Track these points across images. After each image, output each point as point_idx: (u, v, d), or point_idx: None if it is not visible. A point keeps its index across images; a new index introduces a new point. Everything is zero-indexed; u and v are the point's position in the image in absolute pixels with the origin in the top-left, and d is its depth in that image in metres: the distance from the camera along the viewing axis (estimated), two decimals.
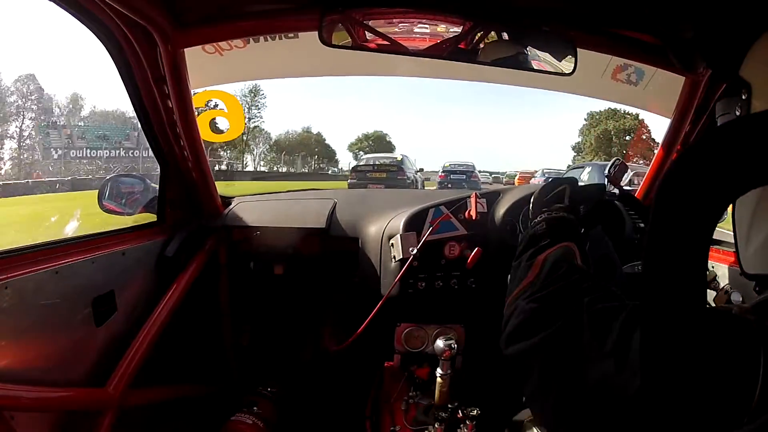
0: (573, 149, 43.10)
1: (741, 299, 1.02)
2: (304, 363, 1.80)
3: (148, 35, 0.97)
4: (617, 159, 1.20)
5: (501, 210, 1.29)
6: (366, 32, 1.04)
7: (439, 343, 1.13)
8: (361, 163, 12.27)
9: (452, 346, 1.12)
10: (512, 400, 1.19)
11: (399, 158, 12.27)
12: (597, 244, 1.06)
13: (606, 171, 1.18)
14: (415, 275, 1.26)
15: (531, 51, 1.10)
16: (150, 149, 1.24)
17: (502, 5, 1.04)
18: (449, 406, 1.18)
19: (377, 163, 11.91)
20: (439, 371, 1.14)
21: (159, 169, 1.28)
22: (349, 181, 11.22)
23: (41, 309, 0.83)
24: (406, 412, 1.25)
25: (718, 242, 1.17)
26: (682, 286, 0.30)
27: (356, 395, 1.58)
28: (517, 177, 25.92)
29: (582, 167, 12.88)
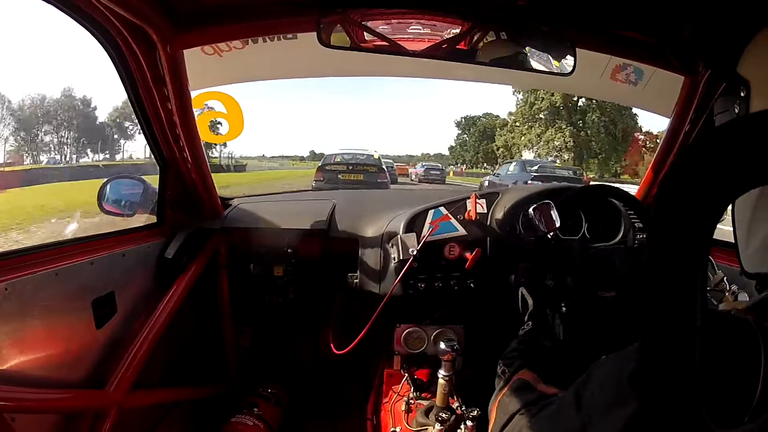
0: (458, 126, 35.69)
1: (748, 299, 1.01)
2: (305, 364, 1.80)
3: (148, 37, 0.97)
4: (532, 209, 1.12)
5: (500, 211, 1.29)
6: (365, 33, 1.04)
7: (442, 344, 1.13)
8: (330, 161, 9.50)
9: (455, 347, 1.12)
10: None
11: (377, 156, 9.84)
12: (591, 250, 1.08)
13: (539, 230, 1.11)
14: (414, 276, 1.26)
15: (530, 51, 1.10)
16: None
17: (500, 6, 1.04)
18: (450, 406, 1.18)
19: (352, 162, 9.33)
20: (441, 372, 1.14)
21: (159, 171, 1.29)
22: (313, 183, 8.73)
23: (41, 311, 0.83)
24: (407, 413, 1.25)
25: (724, 243, 1.17)
26: (683, 287, 0.30)
27: (357, 396, 1.58)
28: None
29: (510, 162, 13.92)
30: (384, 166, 9.36)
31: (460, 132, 36.57)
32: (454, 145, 37.68)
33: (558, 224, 1.07)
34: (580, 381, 0.49)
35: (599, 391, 0.45)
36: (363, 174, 8.76)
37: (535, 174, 10.92)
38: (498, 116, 33.12)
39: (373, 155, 9.85)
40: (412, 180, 20.07)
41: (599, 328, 1.01)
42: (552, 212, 1.08)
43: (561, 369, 0.79)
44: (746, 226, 0.47)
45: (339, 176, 8.67)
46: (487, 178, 14.17)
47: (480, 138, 33.86)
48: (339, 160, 9.55)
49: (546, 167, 12.50)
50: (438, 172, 20.44)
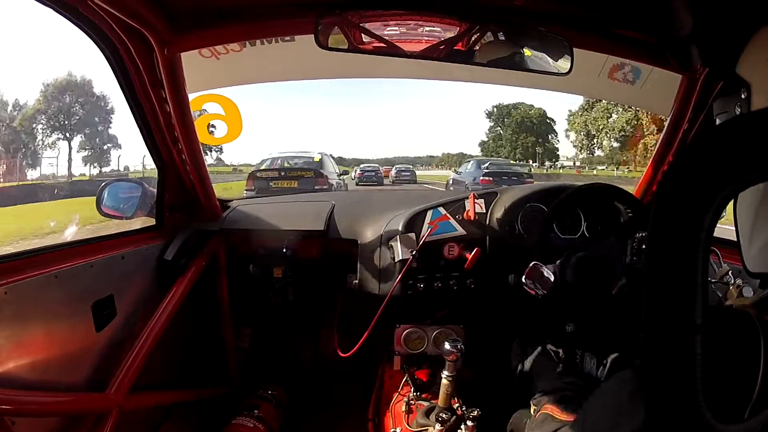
0: (489, 117, 30.10)
1: (753, 293, 1.00)
2: (305, 365, 1.80)
3: (145, 40, 0.97)
4: (523, 277, 1.07)
5: (499, 210, 1.29)
6: (362, 34, 1.04)
7: (447, 345, 1.12)
8: (263, 167, 8.55)
9: (459, 347, 1.12)
10: (512, 400, 1.19)
11: (317, 158, 8.91)
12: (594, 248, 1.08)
13: (537, 293, 1.06)
14: (414, 276, 1.26)
15: (527, 51, 1.10)
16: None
17: (498, 6, 1.04)
18: (451, 407, 1.18)
19: (286, 166, 8.42)
20: (444, 372, 1.14)
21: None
22: (245, 192, 7.58)
23: (41, 313, 0.83)
24: (407, 414, 1.25)
25: (728, 241, 1.16)
26: (684, 285, 0.31)
27: (357, 397, 1.58)
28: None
29: (468, 161, 14.55)
30: (323, 171, 8.30)
31: (492, 124, 30.98)
32: (486, 140, 31.61)
33: (552, 280, 1.05)
34: (584, 409, 0.50)
35: (601, 413, 0.46)
36: (298, 180, 7.72)
37: (486, 171, 11.52)
38: (532, 105, 28.57)
39: (313, 158, 8.96)
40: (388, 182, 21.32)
41: (624, 330, 1.02)
42: (543, 270, 1.05)
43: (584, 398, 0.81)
44: (749, 226, 0.47)
45: (270, 184, 7.60)
46: (452, 176, 14.68)
47: (517, 130, 29.31)
48: (273, 165, 8.78)
49: (499, 164, 13.63)
50: (408, 174, 22.85)
